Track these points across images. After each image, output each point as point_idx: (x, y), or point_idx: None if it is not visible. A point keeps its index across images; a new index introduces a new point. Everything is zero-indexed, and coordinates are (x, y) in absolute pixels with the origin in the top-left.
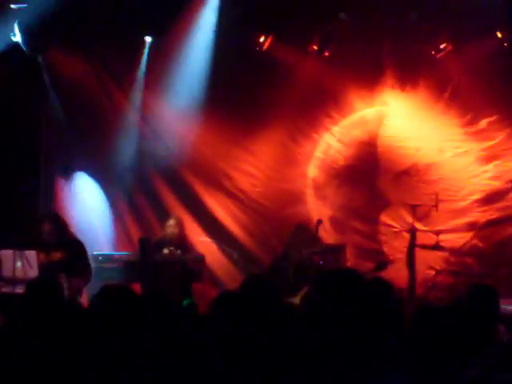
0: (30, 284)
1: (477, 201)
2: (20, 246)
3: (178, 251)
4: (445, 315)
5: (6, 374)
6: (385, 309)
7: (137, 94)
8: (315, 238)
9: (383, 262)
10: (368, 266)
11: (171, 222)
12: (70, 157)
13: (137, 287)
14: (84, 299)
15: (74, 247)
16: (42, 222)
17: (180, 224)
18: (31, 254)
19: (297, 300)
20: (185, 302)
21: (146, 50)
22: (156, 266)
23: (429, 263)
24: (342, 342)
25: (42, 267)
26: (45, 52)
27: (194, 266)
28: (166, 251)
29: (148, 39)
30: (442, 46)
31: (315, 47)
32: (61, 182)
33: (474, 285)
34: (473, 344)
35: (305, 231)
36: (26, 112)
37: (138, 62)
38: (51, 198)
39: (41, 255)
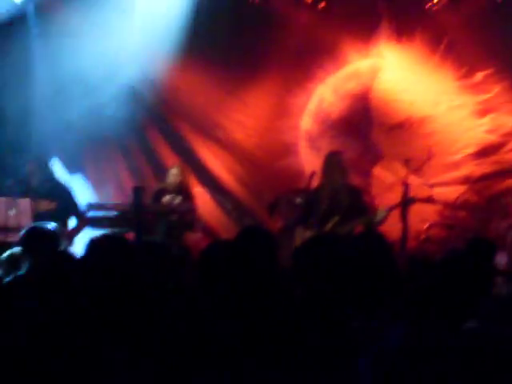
0: (26, 233)
1: (471, 154)
2: (13, 193)
3: (179, 198)
4: (441, 268)
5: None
6: (377, 261)
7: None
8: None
9: (410, 198)
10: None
11: (174, 170)
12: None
13: (130, 236)
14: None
15: (62, 195)
16: (31, 162)
17: (183, 173)
18: (25, 202)
19: (328, 227)
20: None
21: None
22: (149, 215)
23: (422, 216)
24: (336, 295)
25: (36, 216)
26: None
27: (186, 216)
28: (167, 197)
29: None
30: None
31: None
32: None
33: (474, 238)
34: (470, 296)
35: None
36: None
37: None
38: None
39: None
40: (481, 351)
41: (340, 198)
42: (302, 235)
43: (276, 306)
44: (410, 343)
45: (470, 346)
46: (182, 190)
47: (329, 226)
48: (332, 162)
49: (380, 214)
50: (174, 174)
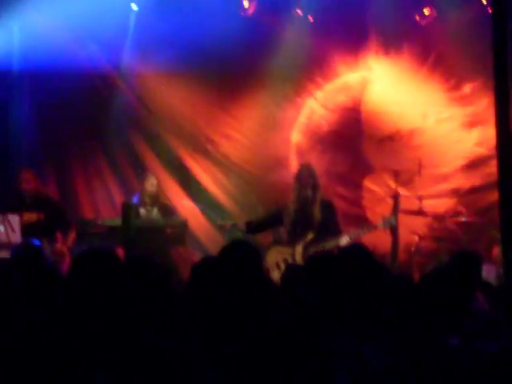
0: (14, 250)
1: (460, 167)
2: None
3: (155, 210)
4: (427, 282)
5: None
6: (363, 276)
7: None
8: None
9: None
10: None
11: (153, 180)
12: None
13: (120, 252)
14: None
15: (51, 207)
16: (23, 170)
17: (157, 183)
18: (14, 218)
19: (301, 245)
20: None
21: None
22: (138, 230)
23: (412, 229)
24: (320, 309)
25: (23, 229)
26: None
27: (177, 231)
28: (143, 211)
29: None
30: (426, 12)
31: (299, 12)
32: None
33: (458, 251)
34: (453, 312)
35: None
36: None
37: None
38: None
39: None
40: (462, 367)
41: (312, 213)
42: (276, 250)
43: (261, 317)
44: (390, 360)
45: (451, 363)
46: (158, 201)
47: (301, 244)
48: (303, 175)
49: (343, 240)
50: (152, 184)
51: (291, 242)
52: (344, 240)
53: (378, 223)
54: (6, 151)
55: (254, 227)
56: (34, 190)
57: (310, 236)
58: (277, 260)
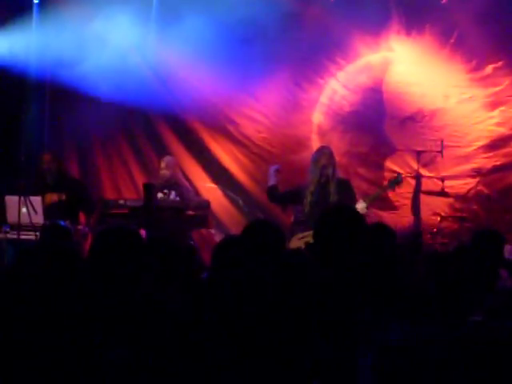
0: (43, 230)
1: (482, 147)
2: (25, 191)
3: (172, 193)
4: (449, 261)
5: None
6: (386, 254)
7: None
8: None
9: (397, 179)
10: (374, 212)
11: (162, 164)
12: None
13: (143, 233)
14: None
15: (75, 188)
16: (44, 153)
17: (171, 165)
18: (36, 200)
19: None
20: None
21: None
22: (160, 211)
23: (434, 209)
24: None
25: (45, 210)
26: None
27: (199, 212)
28: (160, 195)
29: None
30: None
31: None
32: None
33: (480, 230)
34: (476, 290)
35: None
36: None
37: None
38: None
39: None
40: (485, 344)
41: (328, 192)
42: (296, 237)
43: (288, 291)
44: (414, 338)
45: (474, 339)
46: (173, 183)
47: None
48: (320, 155)
49: (359, 206)
50: (162, 168)
51: (310, 223)
52: (360, 205)
53: (387, 185)
54: (28, 136)
55: (275, 194)
56: (55, 171)
57: None
58: (299, 246)
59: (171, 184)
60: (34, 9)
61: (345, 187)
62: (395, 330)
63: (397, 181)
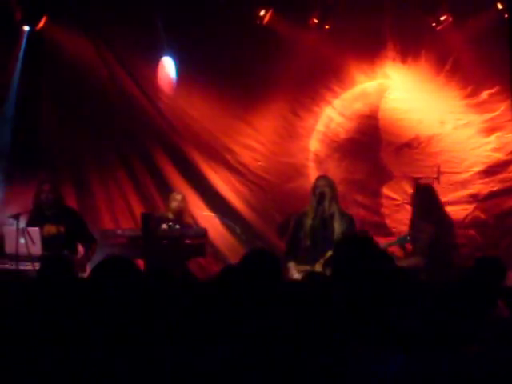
0: (44, 260)
1: (478, 173)
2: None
3: (177, 226)
4: (447, 288)
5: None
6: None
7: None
8: None
9: (404, 236)
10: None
11: (179, 196)
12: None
13: (140, 263)
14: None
15: (73, 220)
16: (43, 182)
17: (185, 199)
18: (34, 231)
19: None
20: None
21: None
22: (158, 241)
23: None
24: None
25: (44, 242)
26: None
27: (196, 241)
28: (164, 226)
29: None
30: (442, 18)
31: (315, 20)
32: None
33: (482, 258)
34: (474, 319)
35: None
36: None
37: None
38: None
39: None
40: (481, 375)
41: (331, 228)
42: (296, 268)
43: (281, 324)
44: (409, 369)
45: (470, 369)
46: (182, 216)
47: (320, 261)
48: (319, 186)
49: None
50: (178, 200)
51: (310, 259)
52: None
53: (394, 240)
54: (25, 163)
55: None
56: (53, 202)
57: (330, 253)
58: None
59: (178, 218)
60: None
61: (347, 223)
62: (394, 362)
63: (406, 239)
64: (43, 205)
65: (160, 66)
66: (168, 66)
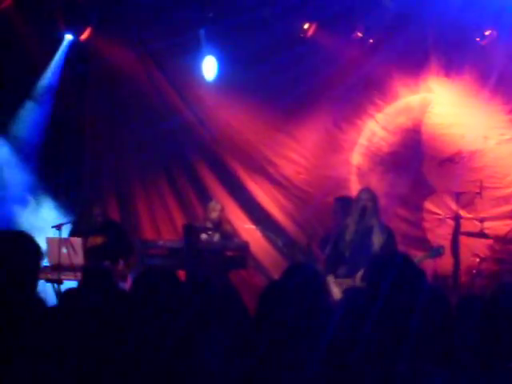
0: (86, 271)
1: None
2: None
3: (217, 235)
4: (488, 304)
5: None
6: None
7: (181, 81)
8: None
9: (437, 248)
10: (413, 253)
11: (218, 206)
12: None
13: (182, 274)
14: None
15: (116, 232)
16: (93, 205)
17: (221, 210)
18: (76, 241)
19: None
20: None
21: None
22: (200, 253)
23: (473, 251)
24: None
25: (86, 252)
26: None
27: (238, 253)
28: (204, 236)
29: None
30: (486, 33)
31: (359, 34)
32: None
33: None
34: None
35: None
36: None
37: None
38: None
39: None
40: None
41: (371, 241)
42: (335, 282)
43: (324, 343)
44: None
45: None
46: (220, 226)
47: (360, 274)
48: (362, 199)
49: None
50: (217, 210)
51: (350, 272)
52: None
53: (427, 253)
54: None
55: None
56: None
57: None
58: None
59: (217, 227)
60: None
61: (387, 236)
62: (438, 379)
63: (438, 252)
64: (91, 219)
65: (202, 77)
66: (210, 76)
